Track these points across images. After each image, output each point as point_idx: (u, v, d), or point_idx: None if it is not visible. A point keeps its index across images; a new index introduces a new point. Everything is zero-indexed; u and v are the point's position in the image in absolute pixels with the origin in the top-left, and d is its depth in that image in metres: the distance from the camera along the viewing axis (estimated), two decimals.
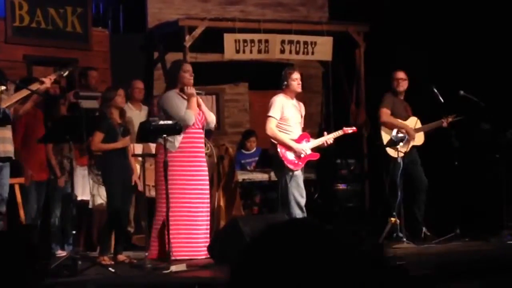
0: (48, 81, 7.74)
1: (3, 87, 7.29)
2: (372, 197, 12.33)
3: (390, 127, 10.05)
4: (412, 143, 10.10)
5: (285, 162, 9.07)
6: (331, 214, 11.37)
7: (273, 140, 9.23)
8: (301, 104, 9.55)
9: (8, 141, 7.47)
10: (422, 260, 7.79)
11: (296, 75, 9.36)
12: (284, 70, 9.61)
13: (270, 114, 9.21)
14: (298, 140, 9.24)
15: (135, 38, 12.90)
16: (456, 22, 11.76)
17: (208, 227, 8.60)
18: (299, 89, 9.43)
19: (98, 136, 8.20)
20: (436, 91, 10.03)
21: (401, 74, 10.25)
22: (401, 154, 9.88)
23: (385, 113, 10.11)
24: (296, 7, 13.57)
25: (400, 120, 10.14)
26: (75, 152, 8.82)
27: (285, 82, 9.31)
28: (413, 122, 10.18)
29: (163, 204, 8.07)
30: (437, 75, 10.22)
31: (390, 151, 9.95)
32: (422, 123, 10.19)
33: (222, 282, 6.36)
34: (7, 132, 7.43)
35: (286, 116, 9.20)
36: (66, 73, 8.26)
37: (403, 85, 10.20)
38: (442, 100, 10.01)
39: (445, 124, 10.14)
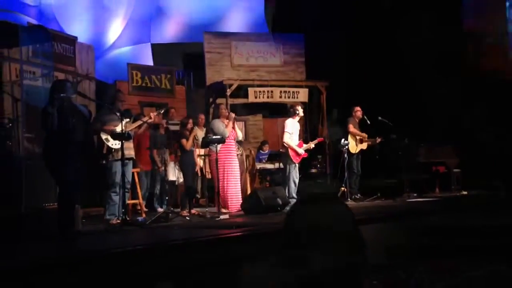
0: (153, 116, 7.73)
1: (128, 119, 7.25)
2: (331, 176, 12.33)
3: (354, 135, 9.92)
4: (361, 147, 9.98)
5: (292, 158, 8.95)
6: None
7: (285, 145, 8.94)
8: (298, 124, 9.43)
9: (131, 149, 7.39)
10: (359, 210, 7.78)
11: (301, 108, 9.18)
12: (294, 106, 9.32)
13: (286, 130, 8.92)
14: (299, 145, 9.09)
15: (200, 91, 12.96)
16: (377, 78, 11.80)
17: (240, 191, 8.53)
18: (302, 114, 9.20)
19: (184, 141, 8.27)
20: (365, 117, 10.04)
21: (359, 108, 10.07)
22: (357, 151, 9.85)
23: (352, 127, 9.93)
24: (288, 72, 13.60)
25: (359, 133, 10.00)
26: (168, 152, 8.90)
27: (297, 112, 9.08)
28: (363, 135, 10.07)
29: (216, 181, 8.13)
30: (366, 107, 10.22)
31: (352, 149, 9.81)
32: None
33: (249, 224, 6.34)
34: (130, 144, 7.36)
35: (294, 132, 9.04)
36: (163, 110, 8.25)
37: (360, 114, 10.02)
38: (369, 122, 10.02)
39: (378, 141, 10.02)
